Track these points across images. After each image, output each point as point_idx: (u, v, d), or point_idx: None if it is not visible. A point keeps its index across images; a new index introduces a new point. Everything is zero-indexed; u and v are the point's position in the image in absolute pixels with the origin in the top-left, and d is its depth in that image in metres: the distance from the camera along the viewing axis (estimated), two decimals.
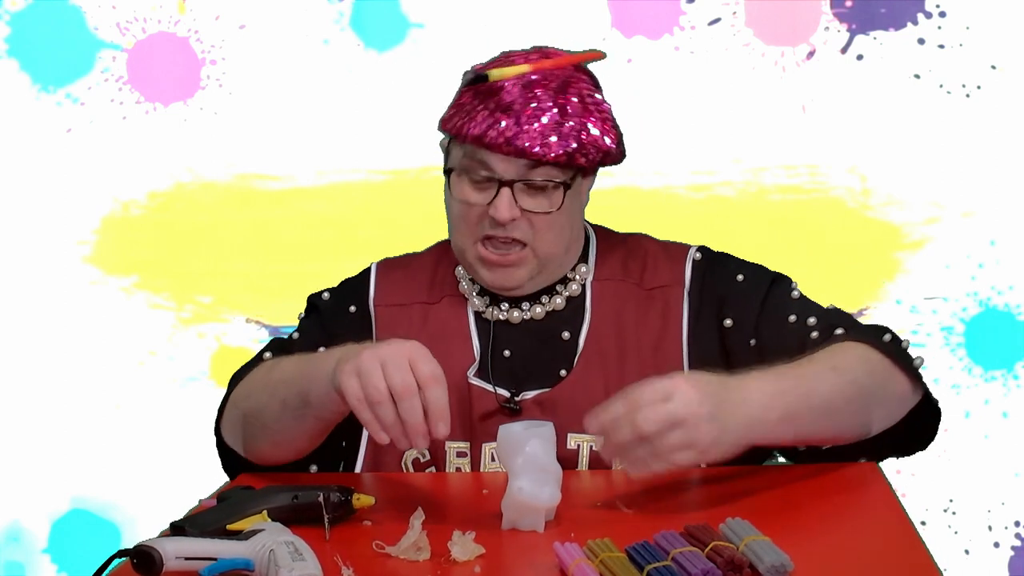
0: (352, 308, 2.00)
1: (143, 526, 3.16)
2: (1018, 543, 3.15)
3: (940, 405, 1.88)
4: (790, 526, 1.57)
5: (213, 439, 1.97)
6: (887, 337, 1.85)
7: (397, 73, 3.18)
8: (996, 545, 3.15)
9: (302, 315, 2.05)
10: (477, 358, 1.92)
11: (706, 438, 1.58)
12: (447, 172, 1.90)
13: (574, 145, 1.84)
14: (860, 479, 1.75)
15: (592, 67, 1.94)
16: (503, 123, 1.82)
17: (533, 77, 1.84)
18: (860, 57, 3.14)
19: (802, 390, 1.70)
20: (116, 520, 3.26)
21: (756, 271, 1.96)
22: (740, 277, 1.94)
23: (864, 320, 1.95)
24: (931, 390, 1.87)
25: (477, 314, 1.96)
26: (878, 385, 1.79)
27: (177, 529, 1.50)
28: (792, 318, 1.89)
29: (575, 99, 1.86)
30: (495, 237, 1.87)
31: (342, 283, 2.06)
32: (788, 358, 1.82)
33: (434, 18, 3.19)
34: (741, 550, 1.40)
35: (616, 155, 1.90)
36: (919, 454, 1.89)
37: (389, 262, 2.05)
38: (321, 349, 1.93)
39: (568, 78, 1.87)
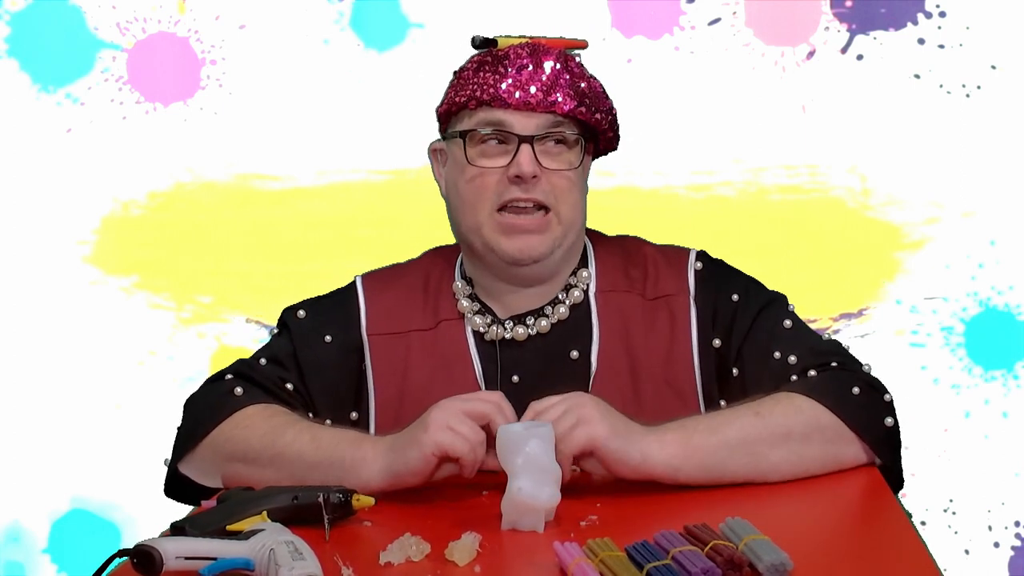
0: (328, 337, 1.92)
1: (143, 526, 3.16)
2: (1018, 543, 3.15)
3: (903, 476, 1.80)
4: (790, 525, 1.58)
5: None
6: (856, 390, 1.75)
7: (397, 73, 3.18)
8: (996, 545, 3.15)
9: (274, 330, 1.97)
10: (483, 386, 1.87)
11: (593, 412, 1.63)
12: (462, 135, 1.85)
13: (587, 100, 1.85)
14: (860, 479, 1.75)
15: (591, 65, 1.94)
16: (517, 79, 1.83)
17: (534, 46, 1.87)
18: (860, 57, 3.14)
19: (707, 425, 1.70)
20: (116, 520, 3.25)
21: (751, 291, 1.91)
22: (735, 297, 1.89)
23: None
24: (901, 459, 1.78)
25: (478, 336, 1.90)
26: (821, 438, 1.72)
27: (177, 529, 1.50)
28: (776, 354, 1.84)
29: (575, 65, 1.88)
30: (516, 202, 1.84)
31: (321, 300, 1.97)
32: (766, 394, 1.80)
33: (434, 18, 3.19)
34: (741, 549, 1.40)
35: (612, 135, 1.91)
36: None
37: (375, 280, 1.97)
38: (288, 386, 1.89)
39: (564, 51, 1.89)
